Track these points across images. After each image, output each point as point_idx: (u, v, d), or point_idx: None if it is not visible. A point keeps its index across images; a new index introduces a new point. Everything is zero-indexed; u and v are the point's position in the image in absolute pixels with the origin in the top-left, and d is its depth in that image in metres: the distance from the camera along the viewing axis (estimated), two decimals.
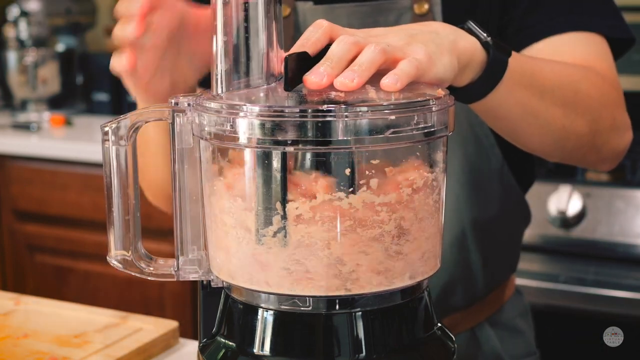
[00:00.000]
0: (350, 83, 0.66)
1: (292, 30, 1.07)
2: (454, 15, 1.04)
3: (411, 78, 0.68)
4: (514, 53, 0.83)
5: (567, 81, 0.93)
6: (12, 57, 2.75)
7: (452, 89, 0.78)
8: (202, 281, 0.78)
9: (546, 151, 0.98)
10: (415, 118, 0.66)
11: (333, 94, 0.69)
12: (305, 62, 0.69)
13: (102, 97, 2.69)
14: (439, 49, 0.72)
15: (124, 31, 0.84)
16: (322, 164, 0.66)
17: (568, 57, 0.99)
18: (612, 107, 0.98)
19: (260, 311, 0.71)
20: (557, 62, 0.96)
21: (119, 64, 0.88)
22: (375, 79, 0.68)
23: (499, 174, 1.11)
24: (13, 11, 2.74)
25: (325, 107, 0.64)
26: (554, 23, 1.01)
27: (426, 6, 1.04)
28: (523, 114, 0.88)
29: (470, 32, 0.79)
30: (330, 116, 0.64)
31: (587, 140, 0.96)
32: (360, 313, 0.69)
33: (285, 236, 0.68)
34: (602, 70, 0.99)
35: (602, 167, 1.05)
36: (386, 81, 0.67)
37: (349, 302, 0.69)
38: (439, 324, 0.76)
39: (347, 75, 0.66)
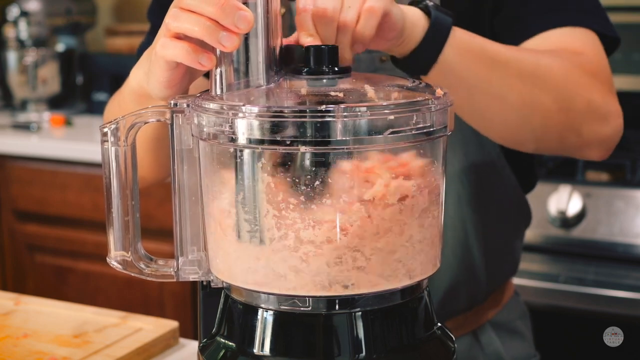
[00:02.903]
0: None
1: (287, 30, 1.07)
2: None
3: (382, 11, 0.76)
4: (462, 30, 0.87)
5: (525, 56, 0.93)
6: (12, 57, 2.75)
7: (403, 63, 0.84)
8: (202, 281, 0.78)
9: (513, 133, 0.96)
10: (415, 118, 0.66)
11: (332, 94, 0.69)
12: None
13: (102, 97, 2.69)
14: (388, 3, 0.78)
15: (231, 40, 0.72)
16: (321, 164, 0.66)
17: (556, 46, 0.98)
18: (586, 89, 0.96)
19: (260, 311, 0.71)
20: (518, 47, 0.97)
21: (229, 43, 0.71)
22: (375, 78, 0.68)
23: (501, 175, 1.11)
24: (13, 11, 2.74)
25: (324, 107, 0.64)
26: (546, 19, 1.00)
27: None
28: (476, 82, 0.89)
29: (414, 4, 0.85)
30: (329, 116, 0.64)
31: (557, 119, 0.94)
32: (360, 313, 0.69)
33: (284, 237, 0.68)
34: (590, 57, 0.98)
35: (590, 154, 1.01)
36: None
37: (348, 302, 0.69)
38: (439, 324, 0.76)
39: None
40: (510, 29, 1.02)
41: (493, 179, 1.11)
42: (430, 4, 0.85)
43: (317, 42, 0.75)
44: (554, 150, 1.04)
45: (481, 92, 0.90)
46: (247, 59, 0.72)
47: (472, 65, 0.88)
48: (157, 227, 2.11)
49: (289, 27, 1.07)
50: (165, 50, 0.73)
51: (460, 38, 0.86)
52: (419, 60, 0.84)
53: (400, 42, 0.82)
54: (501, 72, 0.90)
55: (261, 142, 0.66)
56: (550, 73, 0.93)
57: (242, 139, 0.66)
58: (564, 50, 0.98)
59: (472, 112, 0.94)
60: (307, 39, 0.75)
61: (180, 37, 0.72)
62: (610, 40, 1.03)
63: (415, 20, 0.83)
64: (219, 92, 0.72)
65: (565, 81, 0.94)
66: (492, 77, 0.89)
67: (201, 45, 0.72)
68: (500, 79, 0.90)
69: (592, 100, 0.96)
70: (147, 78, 0.79)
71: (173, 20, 0.72)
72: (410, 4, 0.85)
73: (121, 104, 0.96)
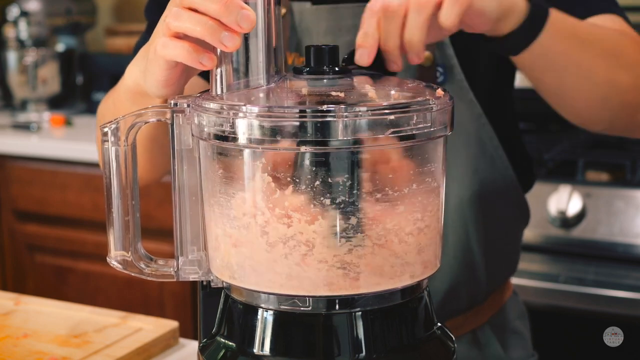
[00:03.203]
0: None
1: (287, 31, 1.07)
2: None
3: (463, 8, 0.74)
4: (554, 10, 0.86)
5: (607, 35, 0.94)
6: (12, 57, 2.74)
7: (493, 44, 0.83)
8: (202, 281, 0.78)
9: (593, 112, 0.96)
10: (415, 118, 0.66)
11: (333, 94, 0.69)
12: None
13: (102, 97, 2.65)
14: None
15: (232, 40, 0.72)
16: (321, 164, 0.66)
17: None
18: None
19: (260, 311, 0.71)
20: (595, 24, 0.97)
21: (231, 43, 0.71)
22: (376, 78, 0.68)
23: (503, 176, 1.11)
24: (13, 11, 2.74)
25: (324, 107, 0.64)
26: (578, 9, 1.01)
27: None
28: (567, 64, 0.89)
29: None
30: (330, 116, 0.64)
31: (632, 97, 0.94)
32: (360, 313, 0.69)
33: (284, 236, 0.68)
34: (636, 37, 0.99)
35: None
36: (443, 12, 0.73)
37: (348, 302, 0.69)
38: (439, 324, 0.76)
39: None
40: None
41: (494, 179, 1.11)
42: None
43: (369, 41, 0.75)
44: (621, 130, 1.04)
45: (570, 74, 0.90)
46: (247, 59, 0.72)
47: (565, 47, 0.88)
48: (157, 227, 2.11)
49: (290, 27, 1.07)
50: (166, 50, 0.73)
51: (554, 21, 0.85)
52: (512, 44, 0.84)
53: (493, 29, 0.82)
54: (590, 52, 0.90)
55: (261, 142, 0.66)
56: (627, 51, 0.94)
57: (242, 139, 0.66)
58: (620, 29, 0.99)
59: (557, 93, 0.94)
60: (360, 39, 0.76)
61: (180, 36, 0.72)
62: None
63: (511, 5, 0.81)
64: (219, 92, 0.72)
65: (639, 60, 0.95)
66: (582, 58, 0.90)
67: (201, 45, 0.72)
68: (589, 59, 0.90)
69: None
70: (144, 76, 0.79)
71: (174, 19, 0.72)
72: None
73: (116, 101, 0.96)
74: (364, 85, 0.70)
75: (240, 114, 0.66)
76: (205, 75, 0.77)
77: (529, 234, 1.29)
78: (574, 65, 0.90)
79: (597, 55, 0.91)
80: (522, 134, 1.20)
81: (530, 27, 0.83)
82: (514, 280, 1.26)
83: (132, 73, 0.86)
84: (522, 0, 0.82)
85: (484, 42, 0.86)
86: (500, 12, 0.80)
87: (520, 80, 1.15)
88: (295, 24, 1.07)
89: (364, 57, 0.75)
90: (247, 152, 0.68)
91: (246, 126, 0.66)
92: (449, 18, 0.74)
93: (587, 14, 1.00)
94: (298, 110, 0.65)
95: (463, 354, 1.13)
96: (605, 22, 1.00)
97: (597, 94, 0.93)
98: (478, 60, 1.09)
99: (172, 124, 0.74)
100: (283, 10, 1.07)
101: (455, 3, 0.74)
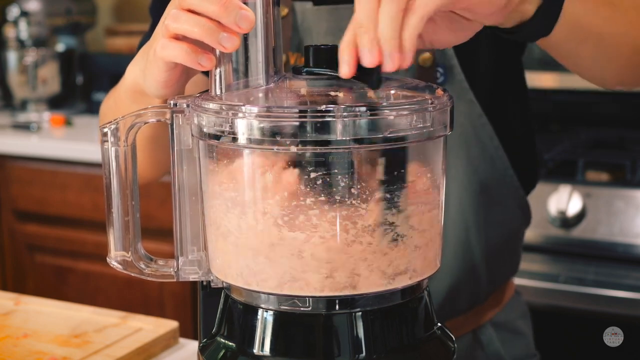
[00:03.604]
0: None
1: (289, 31, 1.07)
2: None
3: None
4: None
5: None
6: (12, 57, 2.75)
7: (519, 32, 0.76)
8: (202, 281, 0.78)
9: (615, 74, 0.93)
10: (414, 118, 0.66)
11: (332, 94, 0.69)
12: None
13: (102, 97, 2.66)
14: None
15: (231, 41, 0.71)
16: (320, 164, 0.66)
17: None
18: None
19: (260, 311, 0.71)
20: None
21: (229, 44, 0.70)
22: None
23: (504, 177, 1.11)
24: (13, 11, 2.74)
25: (324, 107, 0.64)
26: None
27: None
28: (603, 25, 0.85)
29: None
30: (329, 116, 0.64)
31: None
32: (360, 313, 0.69)
33: (284, 237, 0.68)
34: None
35: None
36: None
37: (348, 302, 0.69)
38: (439, 324, 0.76)
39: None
40: None
41: (495, 181, 1.11)
42: None
43: (366, 34, 0.67)
44: (632, 84, 0.99)
45: (610, 35, 0.86)
46: (247, 59, 0.72)
47: (596, 9, 0.84)
48: (157, 227, 2.11)
49: (292, 27, 1.07)
50: (165, 51, 0.73)
51: None
52: (539, 25, 0.77)
53: (507, 13, 0.74)
54: (619, 9, 0.87)
55: (261, 142, 0.66)
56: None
57: (242, 139, 0.66)
58: None
59: (595, 60, 0.89)
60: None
61: (179, 37, 0.72)
62: None
63: None
64: (218, 92, 0.72)
65: None
66: (615, 16, 0.86)
67: (200, 46, 0.72)
68: (621, 16, 0.87)
69: None
70: (144, 76, 0.79)
71: (173, 21, 0.72)
72: None
73: (117, 101, 0.96)
74: (364, 85, 0.70)
75: (240, 114, 0.66)
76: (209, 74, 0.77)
77: (529, 234, 1.28)
78: (610, 25, 0.85)
79: (624, 11, 0.87)
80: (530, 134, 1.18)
81: (551, 4, 0.77)
82: (515, 280, 1.26)
83: (132, 72, 0.86)
84: None
85: (501, 32, 0.79)
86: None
87: None
88: (297, 24, 1.07)
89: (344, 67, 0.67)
90: (246, 152, 0.68)
91: (245, 126, 0.66)
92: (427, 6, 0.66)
93: None
94: (297, 111, 0.65)
95: (463, 353, 1.13)
96: None
97: (625, 53, 0.89)
98: (478, 61, 1.09)
99: (171, 124, 0.74)
100: (285, 11, 1.07)
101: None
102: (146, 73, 0.77)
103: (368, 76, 0.67)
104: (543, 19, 0.77)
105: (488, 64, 1.10)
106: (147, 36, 1.14)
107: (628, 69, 0.93)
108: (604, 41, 0.87)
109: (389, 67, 0.65)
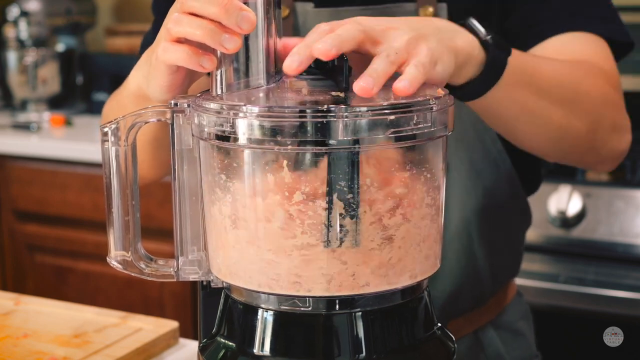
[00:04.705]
0: (370, 91, 0.67)
1: (290, 31, 1.07)
2: (458, 20, 1.04)
3: (421, 82, 0.69)
4: (514, 50, 0.83)
5: (567, 80, 0.93)
6: (12, 57, 2.75)
7: (450, 87, 0.79)
8: (202, 281, 0.78)
9: (543, 150, 0.99)
10: (415, 118, 0.66)
11: (333, 94, 0.69)
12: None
13: (102, 97, 2.69)
14: (440, 46, 0.73)
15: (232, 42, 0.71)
16: (321, 165, 0.66)
17: (574, 55, 0.99)
18: (612, 108, 0.98)
19: (260, 311, 0.71)
20: (559, 61, 0.96)
21: (231, 45, 0.70)
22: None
23: (506, 179, 1.11)
24: (13, 11, 2.74)
25: (325, 107, 0.64)
26: (558, 23, 1.01)
27: (431, 9, 1.04)
28: (520, 113, 0.89)
29: (471, 29, 0.80)
30: (330, 116, 0.64)
31: (585, 141, 0.96)
32: (360, 313, 0.69)
33: (284, 237, 0.68)
34: (610, 70, 1.00)
35: (600, 168, 1.06)
36: (400, 85, 0.68)
37: (348, 302, 0.69)
38: (439, 324, 0.76)
39: (368, 82, 0.67)
40: (522, 33, 1.02)
41: (497, 184, 1.11)
42: (489, 38, 0.79)
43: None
44: (570, 164, 1.07)
45: (524, 121, 0.91)
46: (248, 59, 0.72)
47: (520, 96, 0.87)
48: (157, 227, 2.11)
49: (293, 27, 1.07)
50: (166, 54, 0.73)
51: (512, 70, 0.82)
52: (466, 93, 0.81)
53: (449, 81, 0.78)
54: (546, 100, 0.90)
55: (261, 142, 0.66)
56: (587, 97, 0.94)
57: (242, 139, 0.66)
58: (591, 64, 0.98)
59: (505, 131, 0.95)
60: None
61: (181, 40, 0.73)
62: (620, 44, 1.04)
63: (465, 57, 0.77)
64: (219, 92, 0.72)
65: (599, 105, 0.96)
66: (537, 107, 0.89)
67: (202, 48, 0.72)
68: (544, 107, 0.90)
69: (616, 119, 0.99)
70: (147, 81, 0.79)
71: (175, 24, 0.72)
72: (468, 27, 0.80)
73: (120, 104, 0.96)
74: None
75: (241, 114, 0.66)
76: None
77: (529, 234, 1.28)
78: (528, 114, 0.89)
79: (553, 102, 0.91)
80: None
81: (486, 79, 0.80)
82: (516, 281, 1.26)
83: (135, 78, 0.86)
84: (480, 50, 0.79)
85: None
86: (456, 67, 0.76)
87: None
88: (298, 25, 1.07)
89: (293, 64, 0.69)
90: (247, 152, 0.68)
91: (246, 126, 0.66)
92: (407, 87, 0.68)
93: (570, 29, 1.00)
94: (298, 111, 0.65)
95: (464, 354, 1.13)
96: (581, 46, 1.00)
97: (548, 137, 0.94)
98: None
99: (172, 124, 0.74)
100: (285, 12, 1.07)
101: (414, 80, 0.68)
102: (149, 78, 0.78)
103: (337, 75, 0.71)
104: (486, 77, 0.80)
105: None
106: (149, 35, 1.14)
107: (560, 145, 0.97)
108: (528, 120, 0.91)
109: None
